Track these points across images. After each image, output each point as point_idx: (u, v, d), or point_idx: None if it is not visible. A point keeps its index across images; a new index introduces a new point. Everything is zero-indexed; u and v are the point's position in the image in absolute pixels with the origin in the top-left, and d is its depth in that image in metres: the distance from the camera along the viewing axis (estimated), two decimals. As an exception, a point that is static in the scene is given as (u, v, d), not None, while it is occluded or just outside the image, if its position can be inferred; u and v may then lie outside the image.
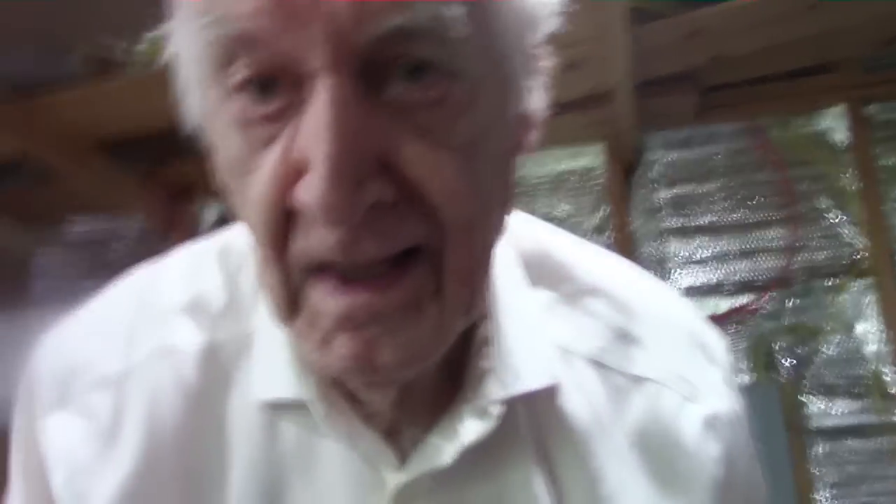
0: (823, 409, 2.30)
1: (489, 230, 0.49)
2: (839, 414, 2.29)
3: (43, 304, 2.75)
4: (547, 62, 0.55)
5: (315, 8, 0.39)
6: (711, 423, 0.60)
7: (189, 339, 0.57)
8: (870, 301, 2.34)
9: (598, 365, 0.60)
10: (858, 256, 2.37)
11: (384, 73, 0.42)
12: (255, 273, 0.50)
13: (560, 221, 2.54)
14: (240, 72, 0.42)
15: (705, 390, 0.61)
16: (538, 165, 2.56)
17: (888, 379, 2.29)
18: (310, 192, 0.41)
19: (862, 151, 2.40)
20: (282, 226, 0.44)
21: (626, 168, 2.52)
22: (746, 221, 2.45)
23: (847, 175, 2.42)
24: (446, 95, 0.43)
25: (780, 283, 2.39)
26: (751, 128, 2.48)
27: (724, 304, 2.41)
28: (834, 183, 2.42)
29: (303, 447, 0.55)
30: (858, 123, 2.42)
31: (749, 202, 2.46)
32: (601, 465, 0.57)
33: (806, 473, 2.23)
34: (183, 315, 0.58)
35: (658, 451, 0.59)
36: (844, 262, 2.38)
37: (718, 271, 2.44)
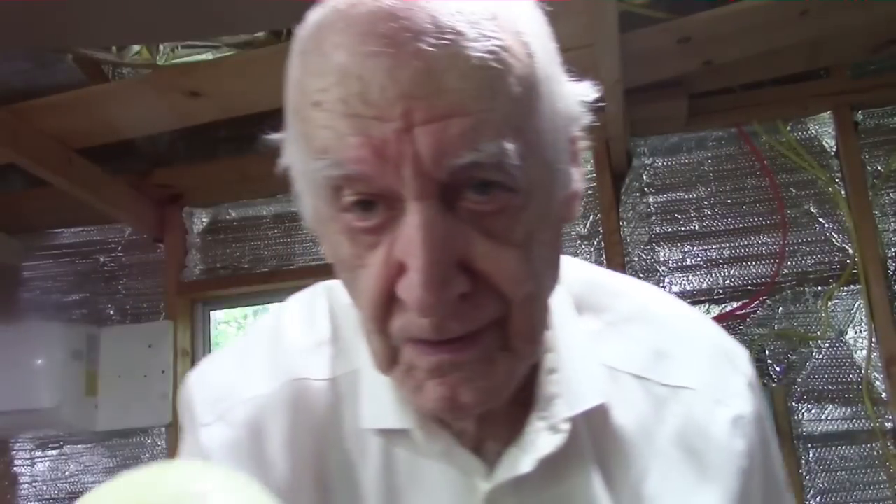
0: (814, 415, 2.30)
1: (545, 296, 0.62)
2: (829, 420, 2.29)
3: (31, 312, 2.73)
4: (585, 143, 0.67)
5: (403, 155, 0.52)
6: (737, 423, 0.72)
7: (315, 374, 0.72)
8: (859, 307, 2.35)
9: (641, 379, 0.72)
10: (848, 262, 2.37)
11: (459, 190, 0.54)
12: (357, 326, 0.64)
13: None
14: (348, 197, 0.55)
15: (731, 395, 0.73)
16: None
17: (878, 385, 2.29)
18: (409, 293, 0.54)
19: (850, 157, 2.41)
20: (385, 309, 0.57)
21: (616, 174, 2.53)
22: (736, 227, 2.45)
23: (836, 181, 2.43)
24: (507, 205, 0.55)
25: (769, 288, 2.40)
26: (740, 134, 2.49)
27: (713, 310, 2.42)
28: (823, 189, 2.43)
29: (412, 465, 0.68)
30: (846, 129, 2.43)
31: (738, 208, 2.46)
32: (645, 466, 0.69)
33: (796, 479, 2.23)
34: (308, 355, 0.73)
35: (695, 447, 0.71)
36: (834, 268, 2.39)
37: (708, 277, 2.44)
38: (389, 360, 0.60)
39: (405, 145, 0.52)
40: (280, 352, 0.73)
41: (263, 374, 0.72)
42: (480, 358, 0.58)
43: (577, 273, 0.77)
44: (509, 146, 0.53)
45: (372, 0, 0.53)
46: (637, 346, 0.74)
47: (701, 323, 0.79)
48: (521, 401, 0.67)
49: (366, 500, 0.69)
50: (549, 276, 0.62)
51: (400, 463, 0.69)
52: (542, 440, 0.65)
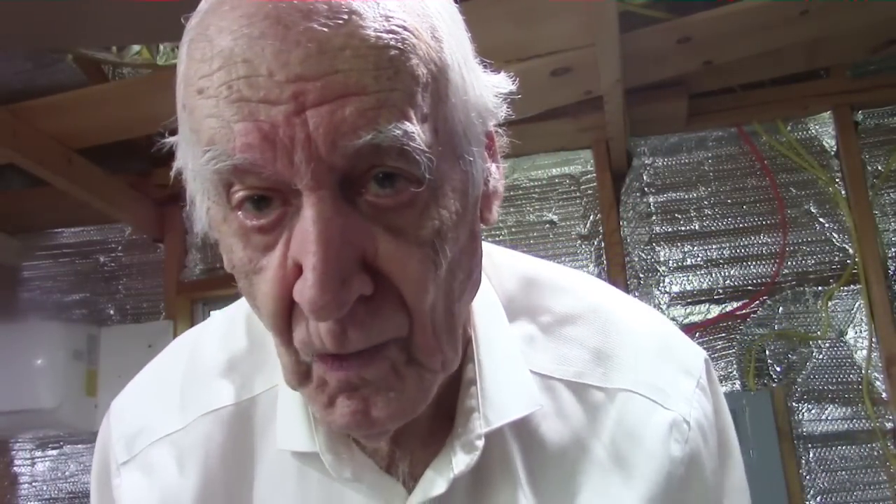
0: (814, 415, 2.30)
1: (453, 307, 0.56)
2: (829, 420, 2.29)
3: (31, 312, 2.73)
4: (502, 141, 0.63)
5: (295, 139, 0.47)
6: (677, 427, 0.67)
7: (225, 400, 0.68)
8: (859, 306, 2.35)
9: (577, 385, 0.68)
10: (848, 262, 2.37)
11: (360, 182, 0.50)
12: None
13: (550, 227, 2.54)
14: (239, 193, 0.51)
15: (675, 397, 0.68)
16: (529, 171, 2.56)
17: (878, 385, 2.29)
18: (302, 294, 0.49)
19: (850, 157, 2.41)
20: (286, 317, 0.53)
21: (617, 174, 2.53)
22: (736, 227, 2.45)
23: (836, 181, 2.43)
24: (413, 199, 0.51)
25: (769, 288, 2.40)
26: (740, 134, 2.49)
27: (714, 310, 2.42)
28: (823, 189, 2.43)
29: (327, 489, 0.64)
30: (846, 129, 2.43)
31: (738, 208, 2.46)
32: (579, 480, 0.66)
33: (797, 479, 2.23)
34: (221, 378, 0.69)
35: (624, 455, 0.66)
36: (834, 268, 2.39)
37: (708, 277, 2.44)
38: (301, 375, 0.55)
39: (296, 128, 0.47)
40: (193, 377, 0.70)
41: (177, 404, 0.69)
42: (387, 373, 0.53)
43: (512, 270, 0.72)
44: (413, 128, 0.48)
45: None
46: (575, 349, 0.69)
47: (650, 321, 0.73)
48: (442, 416, 0.63)
49: None
50: (461, 281, 0.57)
51: (314, 487, 0.65)
52: (456, 458, 0.61)
